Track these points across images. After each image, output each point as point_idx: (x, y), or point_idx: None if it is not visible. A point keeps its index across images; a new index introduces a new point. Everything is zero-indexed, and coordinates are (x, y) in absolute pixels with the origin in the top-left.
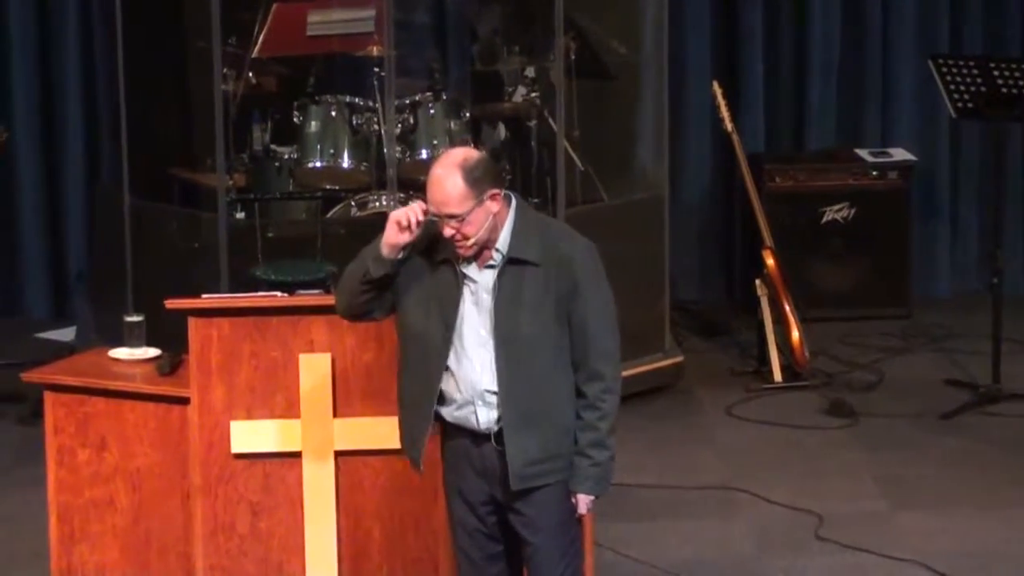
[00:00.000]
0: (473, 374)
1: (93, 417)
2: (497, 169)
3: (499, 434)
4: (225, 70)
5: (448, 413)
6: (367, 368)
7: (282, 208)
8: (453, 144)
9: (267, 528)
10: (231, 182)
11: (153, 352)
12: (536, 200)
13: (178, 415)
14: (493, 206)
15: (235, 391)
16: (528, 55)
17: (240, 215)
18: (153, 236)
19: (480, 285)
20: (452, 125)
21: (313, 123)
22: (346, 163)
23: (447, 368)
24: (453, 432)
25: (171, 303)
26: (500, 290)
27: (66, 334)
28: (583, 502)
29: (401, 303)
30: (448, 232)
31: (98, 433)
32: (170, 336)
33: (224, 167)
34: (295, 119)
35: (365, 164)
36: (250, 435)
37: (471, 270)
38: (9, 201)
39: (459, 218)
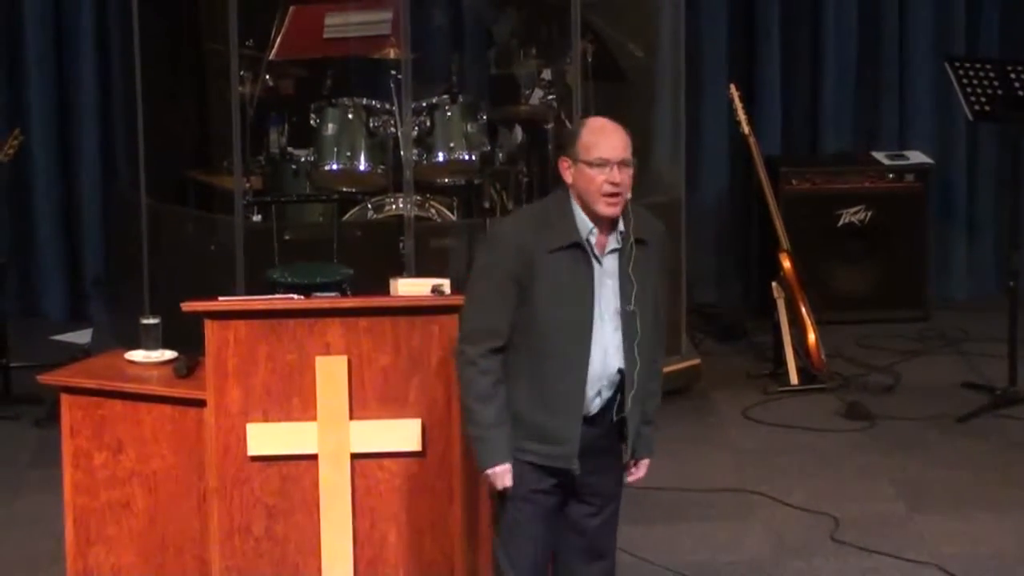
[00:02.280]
0: (608, 357)
1: (109, 419)
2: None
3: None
4: (242, 72)
5: None
6: (383, 371)
7: (299, 210)
8: (470, 147)
9: (283, 530)
10: (248, 184)
11: (170, 354)
12: None
13: (194, 417)
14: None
15: (251, 393)
16: (545, 58)
17: (257, 217)
18: (169, 238)
19: (605, 268)
20: (469, 128)
21: (330, 125)
22: (363, 166)
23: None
24: None
25: (188, 306)
26: (623, 270)
27: (82, 336)
28: (645, 467)
29: (531, 298)
30: (616, 180)
31: (114, 435)
32: (186, 338)
33: (241, 169)
34: (312, 122)
35: (382, 167)
36: (266, 437)
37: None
38: (26, 204)
39: (631, 164)
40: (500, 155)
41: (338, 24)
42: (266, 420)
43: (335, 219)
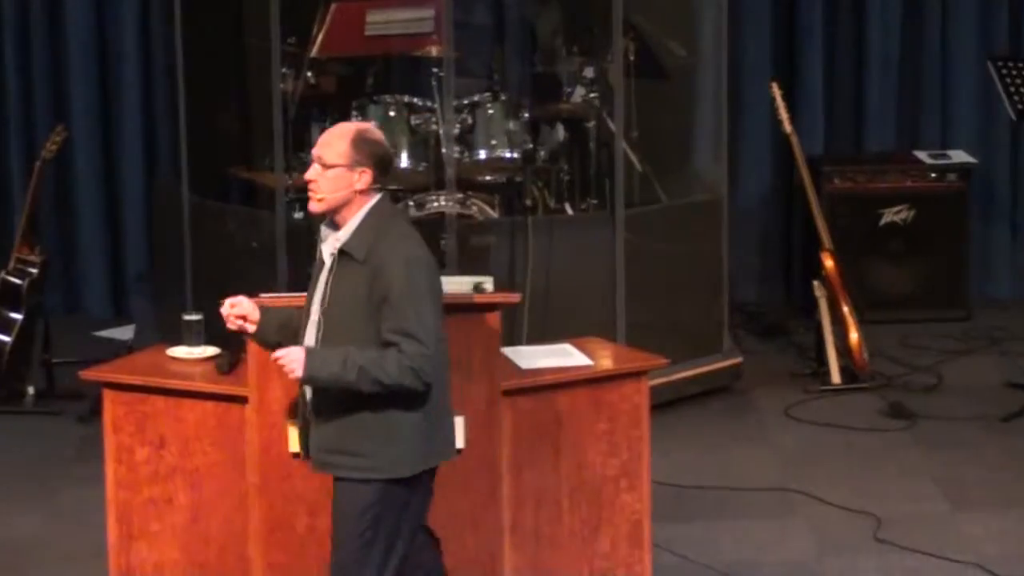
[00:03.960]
0: None
1: (152, 416)
2: (385, 163)
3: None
4: (284, 69)
5: None
6: None
7: None
8: (512, 145)
9: (324, 527)
10: (290, 181)
11: (212, 351)
12: (594, 201)
13: (236, 414)
14: (358, 183)
15: (293, 391)
16: (587, 56)
17: (298, 214)
18: (212, 235)
19: (325, 267)
20: (511, 125)
21: (372, 123)
22: (404, 163)
23: None
24: None
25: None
26: (326, 276)
27: (125, 332)
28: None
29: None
30: (308, 174)
31: (157, 431)
32: (229, 335)
33: (283, 166)
34: (354, 119)
35: (423, 164)
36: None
37: (325, 253)
38: (68, 200)
39: (324, 163)
40: (542, 153)
41: (380, 21)
42: None
43: None
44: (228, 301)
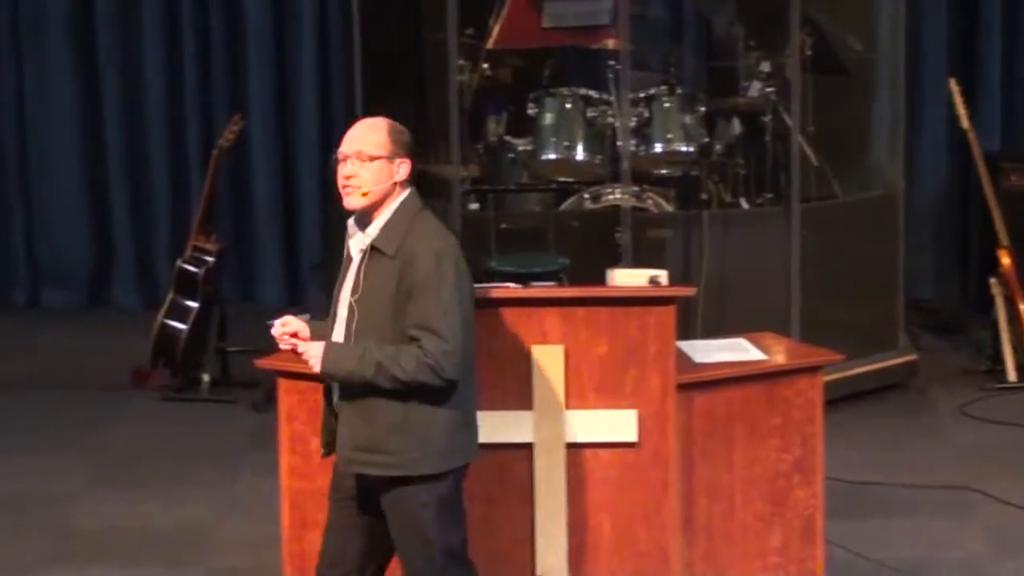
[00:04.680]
0: None
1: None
2: (416, 153)
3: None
4: (461, 61)
5: None
6: (600, 361)
7: (516, 199)
8: (688, 138)
9: (498, 518)
10: (465, 173)
11: None
12: (770, 196)
13: None
14: (398, 174)
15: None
16: (764, 50)
17: (474, 206)
18: None
19: (355, 262)
20: (687, 119)
21: (548, 115)
22: (580, 155)
23: None
24: None
25: None
26: (357, 269)
27: None
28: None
29: None
30: (346, 171)
31: None
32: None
33: (459, 158)
34: (530, 111)
35: (599, 157)
36: (483, 426)
37: (354, 248)
38: (245, 189)
39: (366, 157)
40: (717, 147)
41: (557, 14)
42: (482, 408)
43: (552, 209)
44: (278, 321)
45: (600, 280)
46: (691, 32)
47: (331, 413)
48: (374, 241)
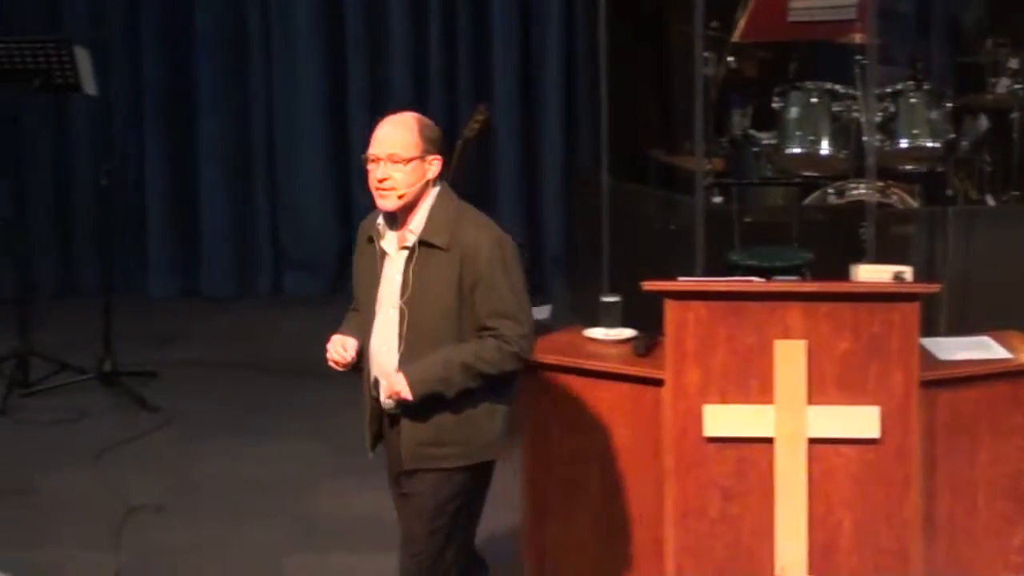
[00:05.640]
0: (385, 349)
1: (568, 396)
2: (444, 147)
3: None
4: (706, 54)
5: None
6: (843, 356)
7: (759, 193)
8: (934, 134)
9: (737, 513)
10: (709, 166)
11: (629, 333)
12: (1016, 193)
13: (651, 397)
14: (430, 172)
15: (709, 375)
16: (1012, 46)
17: (717, 199)
18: (630, 218)
19: (394, 263)
20: (933, 115)
21: (793, 109)
22: (825, 150)
23: None
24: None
25: (649, 285)
26: (405, 269)
27: (542, 312)
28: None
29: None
30: (380, 173)
31: (572, 412)
32: (645, 317)
33: (703, 151)
34: (775, 105)
35: (844, 152)
36: (723, 419)
37: (390, 248)
38: (489, 179)
39: (401, 159)
40: (964, 143)
41: (803, 8)
42: (723, 402)
43: (796, 203)
44: (343, 348)
45: (843, 276)
46: (938, 27)
47: (375, 408)
48: (423, 236)
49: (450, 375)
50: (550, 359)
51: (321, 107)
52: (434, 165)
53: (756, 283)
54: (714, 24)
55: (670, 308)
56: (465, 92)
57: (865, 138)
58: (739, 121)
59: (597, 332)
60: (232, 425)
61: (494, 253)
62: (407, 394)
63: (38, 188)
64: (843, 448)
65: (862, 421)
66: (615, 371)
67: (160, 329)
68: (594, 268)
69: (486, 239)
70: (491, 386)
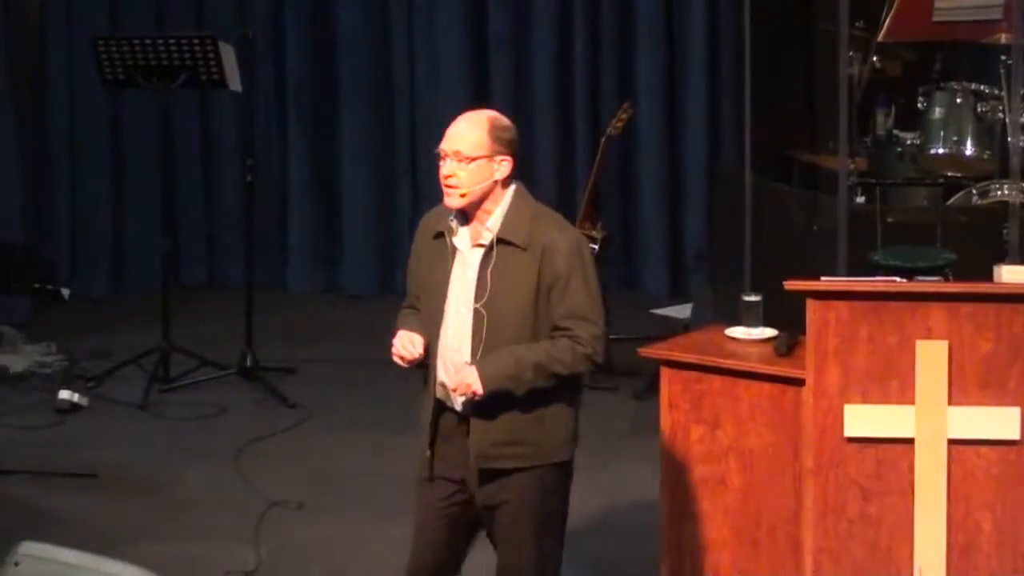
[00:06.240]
0: (458, 349)
1: (708, 395)
2: (517, 148)
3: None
4: (851, 53)
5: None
6: (985, 357)
7: (902, 193)
8: None
9: (876, 513)
10: (853, 166)
11: (770, 332)
12: None
13: (791, 396)
14: (498, 172)
15: (850, 374)
16: None
17: (860, 199)
18: (772, 217)
19: (467, 262)
20: None
21: (937, 109)
22: (969, 150)
23: None
24: None
25: (790, 284)
26: (482, 269)
27: (682, 311)
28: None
29: (417, 279)
30: (446, 169)
31: (712, 411)
32: (786, 317)
33: (847, 150)
34: (919, 105)
35: (988, 152)
36: (863, 419)
37: (463, 245)
38: (632, 177)
39: (465, 157)
40: None
41: (948, 7)
42: (864, 402)
43: (939, 204)
44: (405, 337)
45: (986, 276)
46: None
47: (438, 408)
48: (501, 234)
49: (521, 373)
50: (690, 358)
51: (464, 105)
52: (503, 166)
53: (898, 283)
54: (859, 24)
55: (812, 308)
56: (609, 90)
57: (1010, 139)
58: (883, 121)
59: (738, 331)
60: (371, 421)
61: (572, 253)
62: (478, 387)
63: (183, 184)
64: (983, 449)
65: (1003, 422)
66: (756, 370)
67: (300, 325)
68: (736, 267)
69: (565, 239)
70: (562, 387)
